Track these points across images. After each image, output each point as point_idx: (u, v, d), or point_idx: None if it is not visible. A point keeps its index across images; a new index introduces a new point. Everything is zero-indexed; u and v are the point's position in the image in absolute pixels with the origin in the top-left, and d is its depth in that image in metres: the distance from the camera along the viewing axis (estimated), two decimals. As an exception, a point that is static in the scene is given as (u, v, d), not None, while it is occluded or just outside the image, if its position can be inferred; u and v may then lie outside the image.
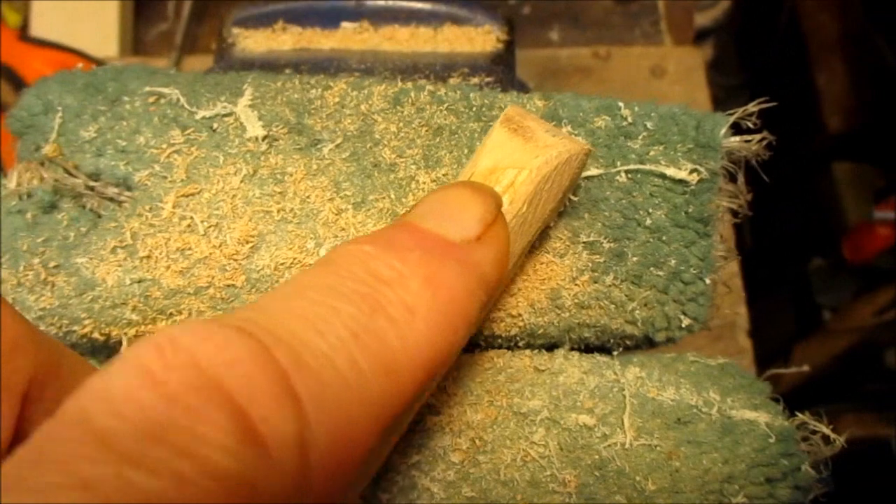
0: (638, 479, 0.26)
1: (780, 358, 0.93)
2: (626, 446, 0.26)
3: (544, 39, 0.71)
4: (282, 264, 0.28)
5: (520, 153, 0.23)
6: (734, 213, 0.30)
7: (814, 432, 0.27)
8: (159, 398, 0.13)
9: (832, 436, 0.27)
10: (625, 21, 0.72)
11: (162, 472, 0.12)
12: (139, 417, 0.12)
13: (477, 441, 0.27)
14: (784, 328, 0.96)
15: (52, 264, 0.28)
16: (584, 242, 0.28)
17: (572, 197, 0.28)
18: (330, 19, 0.41)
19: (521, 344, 0.29)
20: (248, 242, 0.28)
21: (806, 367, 0.74)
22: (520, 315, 0.28)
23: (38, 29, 0.63)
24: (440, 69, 0.39)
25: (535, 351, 0.29)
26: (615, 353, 0.30)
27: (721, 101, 0.82)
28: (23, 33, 0.62)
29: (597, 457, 0.26)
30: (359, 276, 0.17)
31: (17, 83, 0.61)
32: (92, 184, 0.30)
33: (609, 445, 0.26)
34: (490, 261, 0.20)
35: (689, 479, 0.26)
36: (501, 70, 0.39)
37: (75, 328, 0.29)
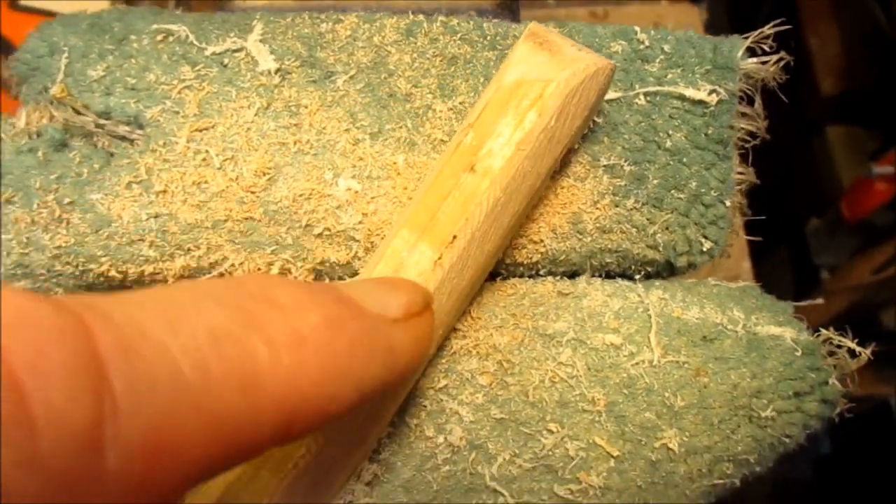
0: (667, 395, 0.26)
1: (779, 320, 0.94)
2: (654, 363, 0.26)
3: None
4: (300, 196, 0.28)
5: (546, 66, 0.23)
6: (752, 136, 0.30)
7: (839, 347, 0.27)
8: None
9: (858, 349, 0.27)
10: (621, -20, 0.72)
11: None
12: None
13: (504, 363, 0.26)
14: (782, 290, 0.96)
15: (66, 201, 0.28)
16: (604, 166, 0.28)
17: (596, 119, 0.28)
18: (333, -34, 0.40)
19: (542, 272, 0.29)
20: (264, 175, 0.28)
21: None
22: (541, 241, 0.28)
23: (28, -2, 0.61)
24: (445, 14, 0.38)
25: (558, 278, 0.29)
26: (636, 279, 0.30)
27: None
28: (13, 2, 0.61)
29: (625, 375, 0.26)
30: (252, 294, 0.16)
31: (9, 52, 0.60)
32: (102, 122, 0.29)
33: (637, 364, 0.26)
34: (403, 345, 0.19)
35: (718, 395, 0.26)
36: (507, 17, 0.39)
37: (92, 266, 0.28)
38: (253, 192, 0.28)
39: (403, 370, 0.19)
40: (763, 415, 0.26)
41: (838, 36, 1.01)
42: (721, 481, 0.27)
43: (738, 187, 0.30)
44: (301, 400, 0.16)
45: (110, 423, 0.13)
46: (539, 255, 0.29)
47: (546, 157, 0.24)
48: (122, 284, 0.29)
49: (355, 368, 0.17)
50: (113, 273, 0.28)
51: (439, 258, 0.22)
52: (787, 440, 0.27)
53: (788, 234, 0.96)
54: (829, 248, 0.90)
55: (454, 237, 0.22)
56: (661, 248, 0.29)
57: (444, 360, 0.26)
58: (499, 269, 0.29)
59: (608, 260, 0.29)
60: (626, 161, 0.28)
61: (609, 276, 0.30)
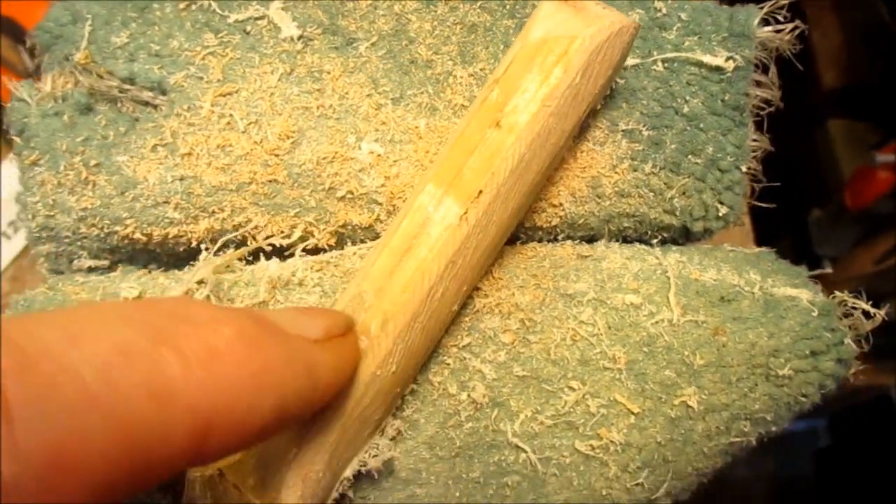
0: (686, 354, 0.27)
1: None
2: (674, 322, 0.27)
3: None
4: (323, 159, 0.28)
5: (571, 22, 0.23)
6: (767, 104, 0.30)
7: (854, 309, 0.28)
8: None
9: (872, 311, 0.27)
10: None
11: None
12: None
13: (526, 322, 0.27)
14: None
15: (92, 163, 0.28)
16: (622, 130, 0.29)
17: (618, 80, 0.28)
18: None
19: (560, 237, 0.30)
20: (288, 138, 0.28)
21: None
22: (561, 204, 0.29)
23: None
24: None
25: (576, 241, 0.29)
26: (653, 244, 0.30)
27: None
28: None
29: (644, 334, 0.27)
30: (164, 311, 0.16)
31: (19, 35, 0.60)
32: (127, 87, 0.30)
33: (656, 323, 0.27)
34: (325, 363, 0.19)
35: (736, 354, 0.27)
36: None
37: (117, 228, 0.29)
38: (277, 155, 0.28)
39: (326, 389, 0.19)
40: (780, 373, 0.27)
41: (840, 29, 1.02)
42: (738, 440, 0.27)
43: (753, 154, 0.30)
44: (216, 412, 0.15)
45: (5, 433, 0.13)
46: (558, 219, 0.29)
47: (570, 115, 0.24)
48: (146, 247, 0.29)
49: (273, 383, 0.17)
50: (138, 235, 0.29)
51: (465, 213, 0.23)
52: (803, 399, 0.27)
53: (791, 225, 0.97)
54: (831, 238, 0.91)
55: (480, 192, 0.23)
56: (677, 213, 0.29)
57: (467, 319, 0.27)
58: (518, 234, 0.29)
59: (626, 224, 0.29)
60: (644, 126, 0.29)
61: (626, 241, 0.30)
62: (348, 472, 0.24)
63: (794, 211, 0.97)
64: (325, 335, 0.20)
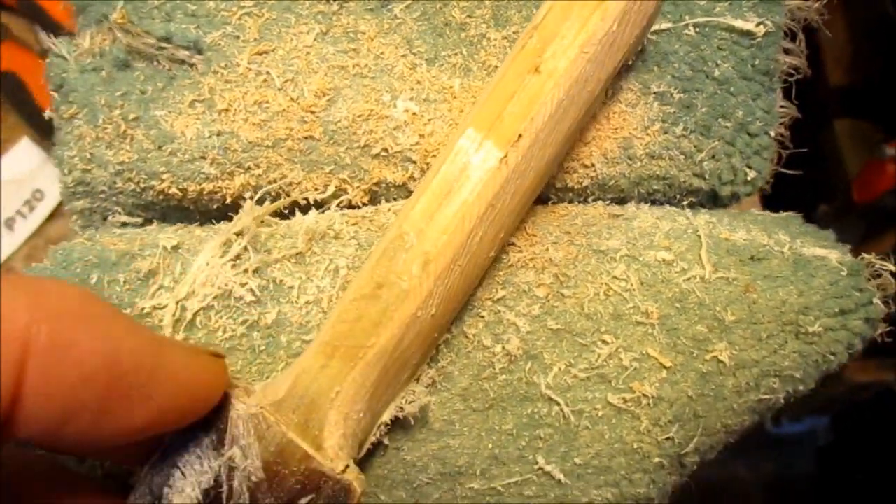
0: (717, 310, 0.27)
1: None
2: (706, 279, 0.27)
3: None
4: (359, 116, 0.29)
5: None
6: (795, 70, 0.31)
7: (882, 270, 0.28)
8: None
9: (900, 272, 0.28)
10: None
11: None
12: None
13: (560, 277, 0.27)
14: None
15: (131, 116, 0.28)
16: (654, 93, 0.29)
17: (649, 37, 0.28)
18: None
19: (591, 199, 0.30)
20: (324, 95, 0.29)
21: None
22: (592, 165, 0.29)
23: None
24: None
25: (607, 202, 0.30)
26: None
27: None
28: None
29: (677, 290, 0.27)
30: None
31: (35, 14, 0.60)
32: (163, 45, 0.30)
33: (688, 279, 0.27)
34: (175, 356, 0.19)
35: (767, 311, 0.27)
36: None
37: (153, 183, 0.29)
38: (313, 112, 0.29)
39: (175, 380, 0.19)
40: (810, 330, 0.27)
41: (847, 27, 1.02)
42: (767, 397, 0.28)
43: (781, 121, 0.31)
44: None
45: None
46: (589, 180, 0.29)
47: (607, 63, 0.24)
48: (180, 204, 0.30)
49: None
50: (173, 190, 0.29)
51: (505, 156, 0.23)
52: (831, 357, 0.28)
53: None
54: (838, 233, 0.91)
55: (519, 136, 0.23)
56: (706, 176, 0.30)
57: (501, 273, 0.27)
58: (549, 194, 0.30)
59: (655, 187, 0.30)
60: (675, 89, 0.29)
61: (655, 204, 0.31)
62: (386, 417, 0.24)
63: (801, 206, 0.97)
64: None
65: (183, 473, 0.21)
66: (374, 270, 0.23)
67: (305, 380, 0.23)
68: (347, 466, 0.22)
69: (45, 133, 0.58)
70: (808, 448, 1.17)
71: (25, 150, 0.62)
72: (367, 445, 0.24)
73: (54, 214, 0.62)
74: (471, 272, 0.24)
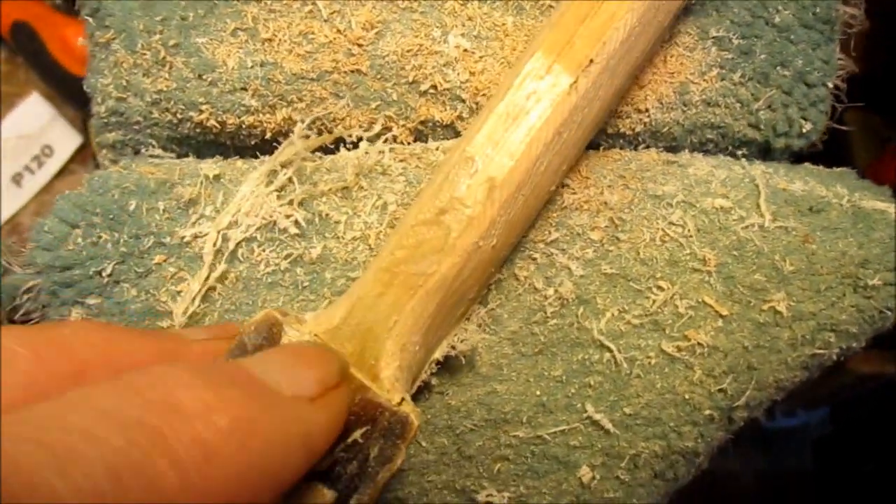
0: (776, 259, 0.26)
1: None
2: (764, 227, 0.26)
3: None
4: (408, 51, 0.28)
5: None
6: (850, 26, 0.30)
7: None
8: None
9: (960, 227, 0.27)
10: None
11: None
12: None
13: (615, 220, 0.26)
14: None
15: (171, 42, 0.27)
16: (713, 38, 0.28)
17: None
18: None
19: (641, 146, 0.29)
20: (372, 28, 0.28)
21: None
22: (647, 110, 0.28)
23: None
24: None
25: (659, 150, 0.29)
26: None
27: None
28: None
29: (734, 237, 0.26)
30: (153, 402, 0.15)
31: None
32: (204, -27, 0.29)
33: (746, 227, 0.26)
34: (320, 425, 0.18)
35: (826, 262, 0.26)
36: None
37: (191, 114, 0.28)
38: (360, 45, 0.28)
39: (321, 450, 0.18)
40: (869, 284, 0.26)
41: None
42: (821, 351, 0.27)
43: (839, 74, 0.30)
44: None
45: None
46: (642, 126, 0.28)
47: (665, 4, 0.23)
48: (217, 138, 0.29)
49: (272, 466, 0.16)
50: (212, 122, 0.28)
51: (575, 81, 0.22)
52: (887, 312, 0.27)
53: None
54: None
55: (591, 61, 0.22)
56: (761, 127, 0.29)
57: (555, 215, 0.26)
58: (600, 140, 0.29)
59: (708, 136, 0.29)
60: (734, 34, 0.28)
61: (707, 154, 0.30)
62: (438, 354, 0.24)
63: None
64: (321, 389, 0.18)
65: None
66: (437, 195, 0.22)
67: (362, 308, 0.22)
68: (403, 399, 0.21)
69: (56, 87, 0.56)
70: (803, 441, 1.17)
71: (35, 106, 0.60)
72: (418, 383, 0.24)
73: (63, 171, 0.60)
74: (532, 204, 0.23)
